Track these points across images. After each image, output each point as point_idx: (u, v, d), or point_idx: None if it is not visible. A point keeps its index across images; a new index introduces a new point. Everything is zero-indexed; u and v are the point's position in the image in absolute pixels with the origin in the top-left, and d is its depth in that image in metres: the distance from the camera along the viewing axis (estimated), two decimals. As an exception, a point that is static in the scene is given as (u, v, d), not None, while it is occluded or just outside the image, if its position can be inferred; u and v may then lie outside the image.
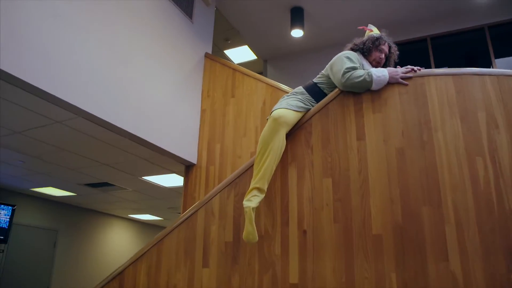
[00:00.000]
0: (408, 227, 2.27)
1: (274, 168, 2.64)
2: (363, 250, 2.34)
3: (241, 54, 8.44)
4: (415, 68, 2.61)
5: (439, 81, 2.49)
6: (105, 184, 7.05)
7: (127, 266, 3.16)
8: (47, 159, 5.56)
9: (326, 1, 6.27)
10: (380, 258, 2.29)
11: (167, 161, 5.31)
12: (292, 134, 2.78)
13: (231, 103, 5.21)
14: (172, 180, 6.50)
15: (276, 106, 2.83)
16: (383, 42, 2.94)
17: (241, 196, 2.79)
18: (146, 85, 4.50)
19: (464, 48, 6.42)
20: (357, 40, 3.00)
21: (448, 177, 2.29)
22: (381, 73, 2.59)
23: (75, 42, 3.67)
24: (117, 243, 10.97)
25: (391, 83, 2.60)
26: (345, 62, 2.70)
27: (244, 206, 2.52)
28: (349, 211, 2.44)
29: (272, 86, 4.93)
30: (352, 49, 2.95)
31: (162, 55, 4.83)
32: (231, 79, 5.32)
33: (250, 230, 2.47)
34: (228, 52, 8.40)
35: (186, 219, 2.99)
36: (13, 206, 7.83)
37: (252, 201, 2.53)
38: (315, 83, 2.92)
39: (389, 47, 2.99)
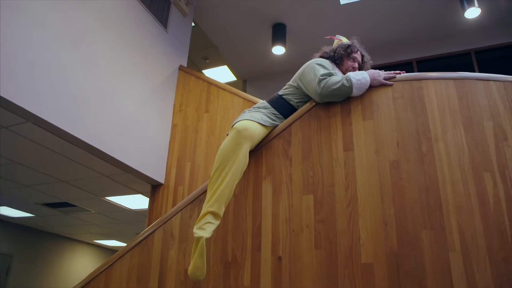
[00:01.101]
0: (404, 255, 1.87)
1: (233, 189, 2.19)
2: (350, 282, 1.92)
3: (220, 74, 8.12)
4: (397, 72, 2.30)
5: (439, 85, 2.15)
6: (65, 204, 6.48)
7: (69, 297, 2.66)
8: (-1, 173, 5.03)
9: (309, 18, 6.02)
10: (370, 293, 1.87)
11: (132, 179, 4.83)
12: (268, 143, 2.39)
13: (205, 119, 4.80)
14: (138, 202, 6.00)
15: (237, 119, 2.43)
16: (355, 50, 2.63)
17: (206, 215, 2.35)
18: (111, 94, 4.07)
19: (450, 71, 6.22)
20: (327, 48, 2.67)
21: (451, 196, 1.91)
22: (360, 76, 2.25)
23: (29, 36, 3.24)
24: (81, 271, 10.20)
25: (374, 86, 2.27)
26: (318, 70, 2.36)
27: (195, 235, 2.04)
28: (333, 234, 2.03)
29: (249, 101, 4.55)
30: (321, 57, 2.61)
31: (131, 62, 4.42)
32: (206, 93, 4.94)
33: (199, 265, 2.01)
34: (207, 72, 8.07)
35: (141, 241, 2.53)
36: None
37: (205, 229, 2.06)
38: (280, 96, 2.56)
39: (362, 56, 2.68)
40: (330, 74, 2.32)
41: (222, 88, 4.86)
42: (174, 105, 5.12)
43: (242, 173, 2.25)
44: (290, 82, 2.59)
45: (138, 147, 4.39)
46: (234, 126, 2.33)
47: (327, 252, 2.01)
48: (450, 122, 2.05)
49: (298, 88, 2.51)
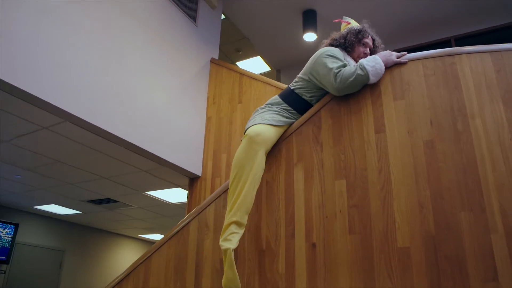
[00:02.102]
0: (443, 238, 1.80)
1: (254, 196, 2.18)
2: (386, 267, 1.87)
3: (253, 65, 8.10)
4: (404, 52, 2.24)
5: (474, 59, 2.04)
6: (109, 201, 6.68)
7: (113, 287, 2.74)
8: (44, 172, 5.22)
9: (339, 2, 5.89)
10: (408, 277, 1.81)
11: (170, 173, 4.91)
12: (298, 129, 2.35)
13: (238, 110, 4.80)
14: (178, 195, 6.10)
15: (249, 123, 2.38)
16: (367, 35, 2.49)
17: (238, 204, 2.35)
18: (144, 90, 4.13)
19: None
20: (336, 35, 2.53)
21: (491, 175, 1.82)
22: (373, 62, 2.16)
23: (64, 41, 3.34)
24: (127, 264, 10.54)
25: (388, 67, 2.20)
26: (330, 62, 2.24)
27: (221, 247, 2.06)
28: (367, 219, 1.98)
29: (281, 89, 4.51)
30: (331, 45, 2.47)
31: (162, 58, 4.47)
32: (238, 84, 4.94)
33: (230, 277, 2.02)
34: (241, 64, 8.06)
35: (177, 233, 2.57)
36: (16, 224, 7.51)
37: (231, 240, 2.07)
38: (292, 90, 2.45)
39: (373, 41, 2.54)
40: (344, 66, 2.22)
41: (254, 78, 4.84)
42: (208, 98, 5.15)
43: (260, 179, 2.24)
44: (300, 75, 2.45)
45: (174, 141, 4.45)
46: (246, 133, 2.29)
47: (362, 237, 1.96)
48: (487, 97, 1.95)
49: (309, 81, 2.39)
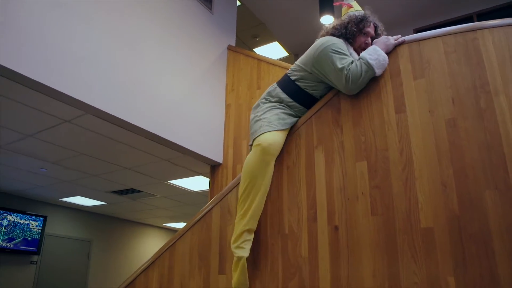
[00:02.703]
0: (467, 217, 1.77)
1: (264, 201, 2.27)
2: (410, 249, 1.86)
3: (271, 51, 8.06)
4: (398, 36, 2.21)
5: (497, 33, 1.99)
6: (132, 191, 6.79)
7: (139, 275, 2.80)
8: (68, 165, 5.33)
9: (356, -18, 5.78)
10: (432, 258, 1.79)
11: (191, 161, 4.96)
12: (318, 112, 2.34)
13: (257, 96, 4.80)
14: (200, 183, 6.15)
15: (255, 127, 2.33)
16: (368, 24, 2.37)
17: (260, 189, 2.36)
18: (163, 80, 4.16)
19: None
20: (336, 22, 2.43)
21: (517, 151, 1.78)
22: (375, 54, 2.13)
23: (82, 34, 3.38)
24: (152, 253, 10.73)
25: (388, 52, 2.18)
26: (339, 60, 2.17)
27: (235, 254, 2.16)
28: (390, 200, 1.97)
29: (299, 74, 4.48)
30: (332, 35, 2.37)
31: (180, 47, 4.49)
32: (256, 70, 4.93)
33: (242, 281, 2.15)
34: (258, 50, 8.04)
35: (200, 219, 2.60)
36: (44, 217, 7.71)
37: (244, 248, 2.17)
38: (293, 81, 2.38)
39: (375, 28, 2.43)
40: (351, 62, 2.16)
41: (272, 64, 4.83)
42: (226, 85, 5.16)
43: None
44: (301, 65, 2.38)
45: (194, 130, 4.48)
46: (259, 143, 2.24)
47: (384, 218, 1.95)
48: (511, 73, 1.90)
49: (311, 73, 2.33)
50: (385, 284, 1.86)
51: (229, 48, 5.33)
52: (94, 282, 8.74)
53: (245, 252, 2.16)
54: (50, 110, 3.62)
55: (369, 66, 2.11)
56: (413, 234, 1.86)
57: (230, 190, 2.52)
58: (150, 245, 10.64)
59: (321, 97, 2.37)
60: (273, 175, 2.37)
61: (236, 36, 5.93)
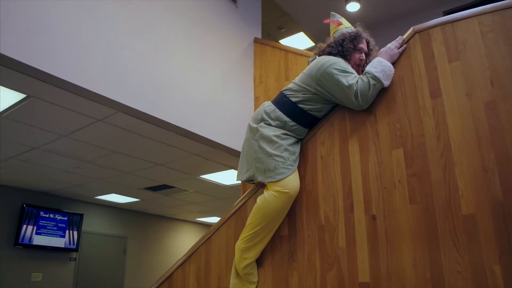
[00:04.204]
0: (511, 203, 1.72)
1: None
2: (451, 237, 1.81)
3: (297, 41, 7.98)
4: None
5: (537, 10, 1.90)
6: (165, 187, 6.88)
7: (176, 269, 2.84)
8: (102, 163, 5.45)
9: (381, -33, 5.66)
10: (476, 246, 1.74)
11: (222, 155, 4.98)
12: (349, 101, 2.30)
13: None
14: (232, 177, 6.17)
15: (266, 164, 2.22)
16: (361, 39, 2.37)
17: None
18: (191, 75, 4.19)
19: None
20: (329, 41, 2.40)
21: (562, 132, 1.70)
22: (380, 66, 2.12)
23: (111, 33, 3.43)
24: (187, 248, 10.87)
25: (394, 62, 2.18)
26: (344, 78, 2.15)
27: (247, 280, 2.34)
28: (428, 187, 1.92)
29: (327, 63, 4.42)
30: (329, 53, 2.34)
31: (206, 42, 4.50)
32: (284, 62, 4.89)
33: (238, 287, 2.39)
34: (284, 41, 7.96)
35: (235, 212, 2.61)
36: (80, 215, 7.93)
37: (254, 273, 2.35)
38: (295, 103, 2.30)
39: (367, 43, 2.43)
40: (356, 79, 2.15)
41: (299, 54, 4.79)
42: (254, 77, 5.15)
43: None
44: (302, 85, 2.31)
45: (224, 123, 4.50)
46: (285, 190, 2.16)
47: (424, 206, 1.91)
48: (553, 50, 1.82)
49: (316, 94, 2.27)
50: (426, 273, 1.82)
51: (256, 40, 5.32)
52: (130, 277, 8.93)
53: (256, 276, 2.33)
54: (83, 110, 3.70)
55: (376, 79, 2.10)
56: (455, 221, 1.81)
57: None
58: (183, 240, 10.78)
59: (323, 116, 2.38)
60: (307, 166, 2.35)
61: (262, 28, 5.90)
